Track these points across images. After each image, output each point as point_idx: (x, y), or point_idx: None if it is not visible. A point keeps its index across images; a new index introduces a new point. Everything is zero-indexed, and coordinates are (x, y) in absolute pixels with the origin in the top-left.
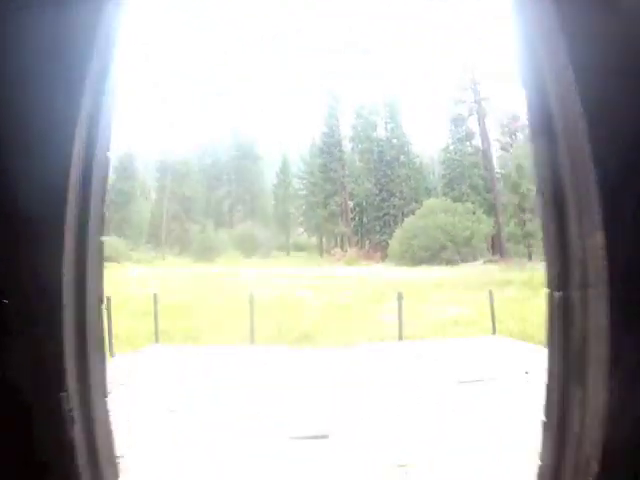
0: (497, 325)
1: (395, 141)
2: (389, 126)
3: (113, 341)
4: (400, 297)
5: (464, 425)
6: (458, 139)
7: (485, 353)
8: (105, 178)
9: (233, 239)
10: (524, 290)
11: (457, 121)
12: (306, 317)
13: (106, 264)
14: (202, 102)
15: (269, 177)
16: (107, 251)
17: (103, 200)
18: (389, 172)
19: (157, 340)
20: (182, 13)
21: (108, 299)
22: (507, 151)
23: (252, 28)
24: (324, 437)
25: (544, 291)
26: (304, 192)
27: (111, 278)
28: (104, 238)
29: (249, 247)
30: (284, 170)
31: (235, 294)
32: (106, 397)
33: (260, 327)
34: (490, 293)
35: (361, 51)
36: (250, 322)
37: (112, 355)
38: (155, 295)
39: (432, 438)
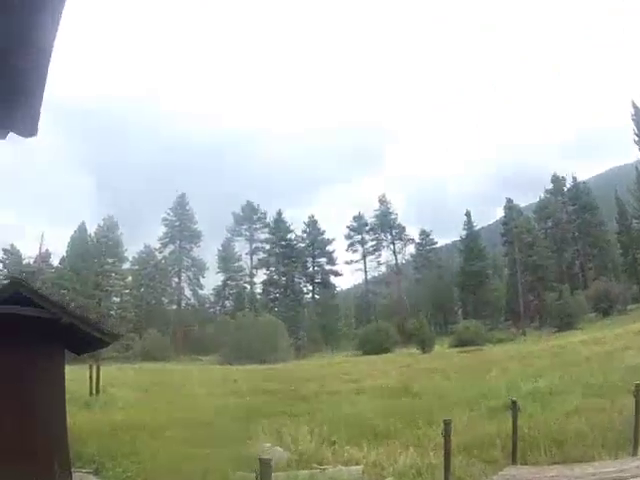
0: None
1: None
2: None
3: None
4: None
5: None
6: None
7: None
8: None
9: (589, 300)
10: None
11: None
12: None
13: (470, 348)
14: None
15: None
16: (466, 335)
17: None
18: None
19: (514, 459)
20: None
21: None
22: None
23: None
24: None
25: None
26: None
27: (469, 363)
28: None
29: (605, 306)
30: (622, 214)
31: (600, 368)
32: None
33: None
34: None
35: None
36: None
37: None
38: (516, 407)
39: None
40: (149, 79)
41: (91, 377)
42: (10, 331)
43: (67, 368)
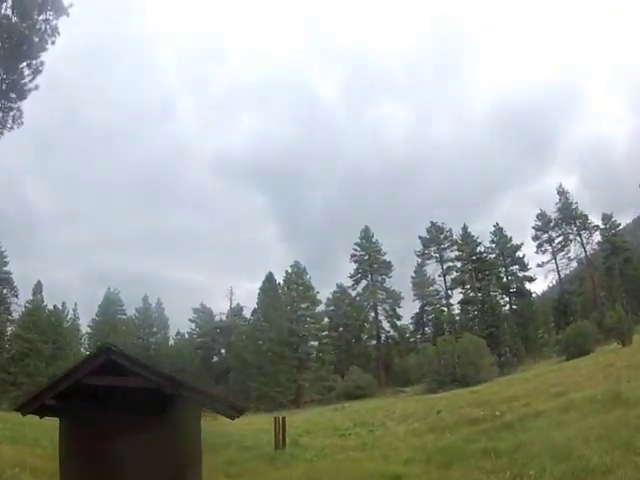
0: None
1: None
2: None
3: None
4: None
5: None
6: None
7: None
8: None
9: None
10: None
11: None
12: None
13: None
14: None
15: None
16: None
17: None
18: None
19: None
20: None
21: None
22: None
23: None
24: None
25: None
26: None
27: None
28: None
29: None
30: None
31: None
32: None
33: None
34: None
35: None
36: None
37: None
38: None
39: None
40: (316, 121)
41: (276, 429)
42: (109, 399)
43: (260, 418)
